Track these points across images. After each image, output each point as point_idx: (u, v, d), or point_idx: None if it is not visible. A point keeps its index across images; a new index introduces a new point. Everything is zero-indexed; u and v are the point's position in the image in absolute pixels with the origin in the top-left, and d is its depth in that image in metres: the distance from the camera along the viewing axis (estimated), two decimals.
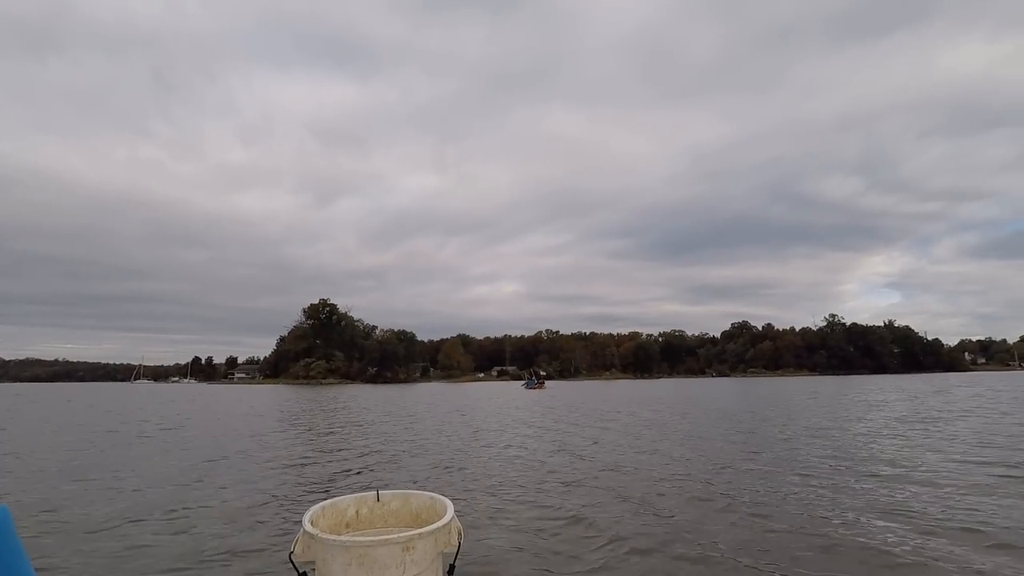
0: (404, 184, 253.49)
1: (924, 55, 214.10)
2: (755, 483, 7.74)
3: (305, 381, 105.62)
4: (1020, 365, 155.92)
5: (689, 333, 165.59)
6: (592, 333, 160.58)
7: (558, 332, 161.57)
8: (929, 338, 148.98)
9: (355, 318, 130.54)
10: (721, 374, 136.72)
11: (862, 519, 5.78)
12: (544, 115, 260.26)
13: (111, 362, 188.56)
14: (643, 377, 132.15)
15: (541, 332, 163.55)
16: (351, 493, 2.86)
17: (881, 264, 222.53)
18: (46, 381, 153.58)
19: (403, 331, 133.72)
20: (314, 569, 2.24)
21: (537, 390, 50.21)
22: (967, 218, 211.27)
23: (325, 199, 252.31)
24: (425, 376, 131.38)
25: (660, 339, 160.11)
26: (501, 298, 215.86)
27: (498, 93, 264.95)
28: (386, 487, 3.40)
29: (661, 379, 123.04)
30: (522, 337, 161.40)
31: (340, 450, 11.67)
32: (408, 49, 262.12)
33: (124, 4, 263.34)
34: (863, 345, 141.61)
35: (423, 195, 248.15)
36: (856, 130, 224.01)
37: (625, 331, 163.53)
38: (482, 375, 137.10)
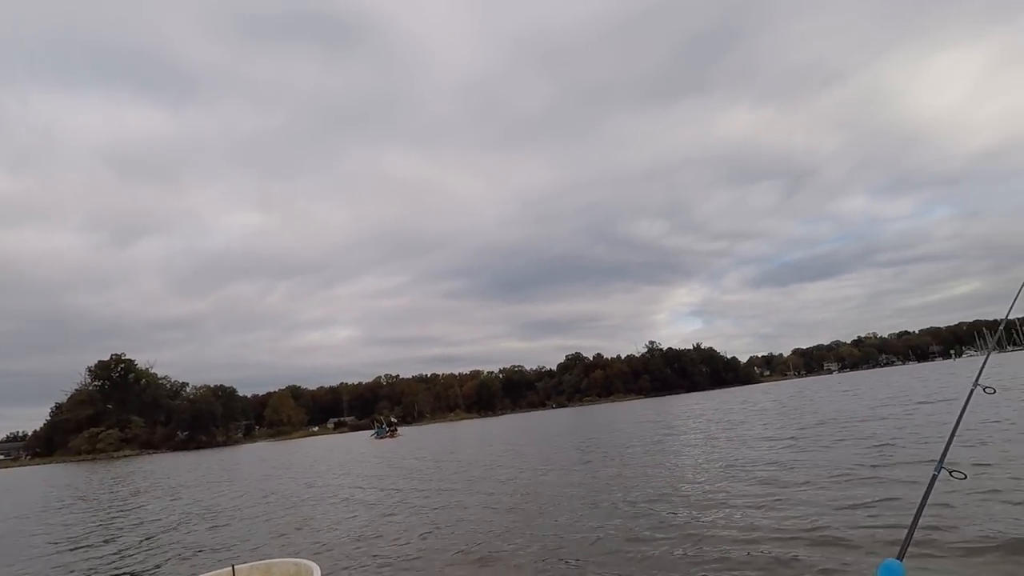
0: (223, 223, 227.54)
1: (706, 118, 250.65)
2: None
3: (90, 456, 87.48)
4: (795, 374, 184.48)
5: (528, 367, 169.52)
6: (434, 375, 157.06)
7: (398, 376, 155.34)
8: (728, 357, 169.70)
9: (159, 375, 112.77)
10: (560, 405, 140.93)
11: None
12: (380, 155, 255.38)
13: None
14: (488, 415, 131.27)
15: (380, 377, 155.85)
16: (202, 573, 2.47)
17: (685, 295, 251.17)
18: None
19: (221, 386, 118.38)
20: None
21: (389, 439, 45.37)
22: (746, 254, 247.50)
23: (124, 239, 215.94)
24: (249, 435, 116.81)
25: (501, 375, 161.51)
26: (335, 344, 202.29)
27: (332, 130, 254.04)
28: (240, 560, 2.82)
29: (505, 415, 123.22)
30: (360, 384, 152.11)
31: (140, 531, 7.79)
32: (230, 78, 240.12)
33: None
34: (678, 367, 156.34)
35: (245, 235, 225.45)
36: (659, 179, 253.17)
37: (466, 370, 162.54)
38: (316, 428, 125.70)
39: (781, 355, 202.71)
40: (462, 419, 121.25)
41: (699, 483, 8.76)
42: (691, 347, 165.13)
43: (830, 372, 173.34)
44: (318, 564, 2.43)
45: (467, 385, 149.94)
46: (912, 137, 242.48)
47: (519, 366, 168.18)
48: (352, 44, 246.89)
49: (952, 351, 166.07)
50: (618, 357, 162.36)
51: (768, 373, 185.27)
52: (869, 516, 5.71)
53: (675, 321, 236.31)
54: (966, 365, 63.92)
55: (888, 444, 10.29)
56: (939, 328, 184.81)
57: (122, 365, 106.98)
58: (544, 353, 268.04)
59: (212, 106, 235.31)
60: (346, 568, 5.87)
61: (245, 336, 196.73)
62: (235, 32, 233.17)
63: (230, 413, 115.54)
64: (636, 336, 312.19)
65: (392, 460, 21.53)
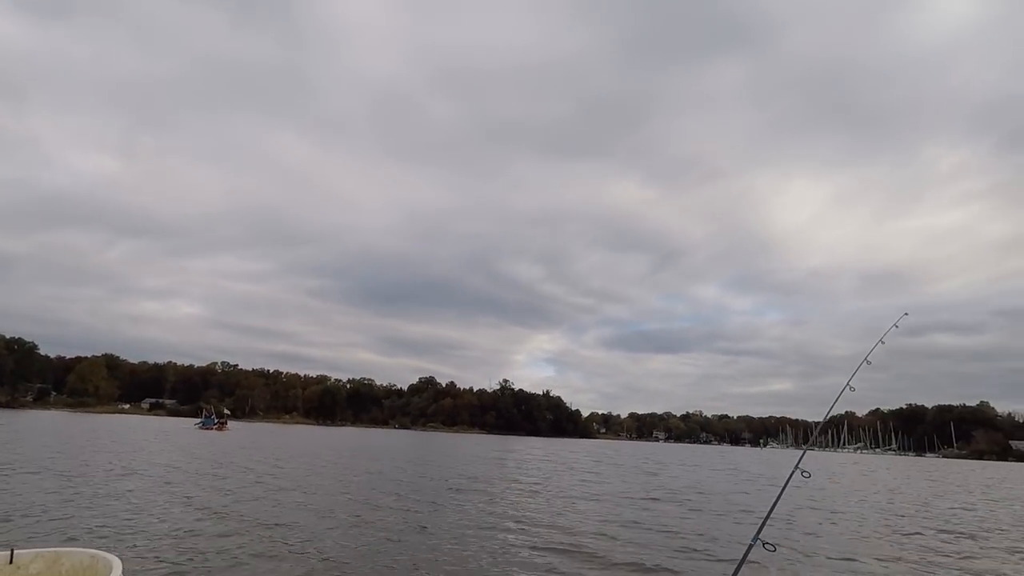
0: (71, 160, 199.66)
1: (599, 182, 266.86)
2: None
3: None
4: (628, 436, 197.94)
5: (378, 383, 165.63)
6: (276, 371, 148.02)
7: (236, 366, 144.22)
8: (573, 408, 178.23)
9: None
10: (403, 426, 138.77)
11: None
12: (270, 133, 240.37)
13: None
14: (327, 423, 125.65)
15: (216, 364, 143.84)
16: None
17: (545, 341, 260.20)
18: None
19: (18, 339, 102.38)
20: None
21: (216, 431, 41.99)
22: (608, 315, 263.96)
23: None
24: (43, 402, 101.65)
25: (348, 385, 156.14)
26: (173, 319, 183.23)
27: (223, 94, 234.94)
28: (23, 544, 2.42)
29: (346, 426, 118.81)
30: (191, 367, 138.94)
31: None
32: (120, 7, 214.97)
33: None
34: (525, 409, 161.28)
35: (94, 181, 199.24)
36: (545, 226, 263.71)
37: (313, 373, 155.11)
38: (128, 406, 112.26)
39: (619, 416, 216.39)
40: (298, 423, 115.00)
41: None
42: (541, 392, 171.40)
43: (658, 440, 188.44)
44: (119, 559, 2.14)
45: (310, 389, 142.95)
46: (765, 244, 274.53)
47: (369, 379, 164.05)
48: (264, 10, 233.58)
49: (761, 440, 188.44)
50: (470, 389, 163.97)
51: (604, 431, 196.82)
52: None
53: (531, 364, 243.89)
54: (770, 455, 73.15)
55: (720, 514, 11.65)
56: (752, 417, 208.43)
57: None
58: (398, 371, 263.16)
59: (90, 30, 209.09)
60: (153, 569, 5.42)
61: (67, 290, 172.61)
62: None
63: (24, 372, 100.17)
64: (492, 371, 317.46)
65: (221, 456, 20.36)
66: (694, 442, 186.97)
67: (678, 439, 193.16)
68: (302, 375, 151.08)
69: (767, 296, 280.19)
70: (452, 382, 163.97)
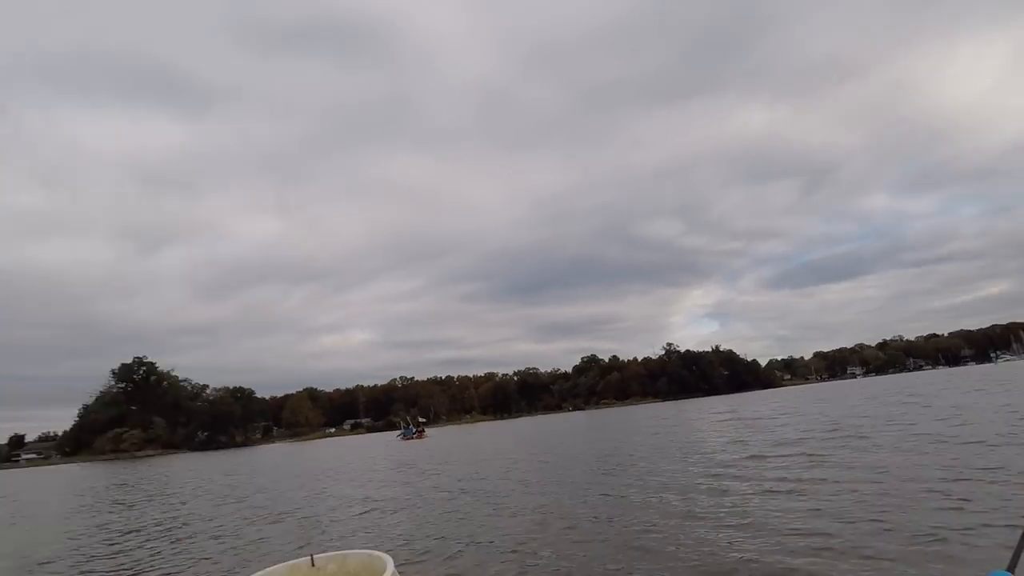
0: (241, 231, 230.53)
1: (720, 117, 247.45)
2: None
3: (114, 456, 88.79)
4: (817, 378, 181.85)
5: (542, 370, 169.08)
6: (448, 377, 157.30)
7: (413, 378, 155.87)
8: (748, 359, 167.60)
9: (180, 378, 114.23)
10: (576, 408, 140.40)
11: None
12: (391, 160, 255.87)
13: None
14: (504, 417, 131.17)
15: (395, 380, 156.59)
16: (285, 562, 2.66)
17: (701, 297, 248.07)
18: None
19: (239, 388, 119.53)
20: None
21: (416, 440, 45.06)
22: (763, 254, 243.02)
23: (147, 249, 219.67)
24: (268, 437, 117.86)
25: (516, 378, 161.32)
26: (351, 348, 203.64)
27: (345, 136, 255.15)
28: (318, 551, 2.89)
29: (522, 417, 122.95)
30: (375, 386, 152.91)
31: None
32: (246, 88, 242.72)
33: None
34: (697, 369, 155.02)
35: (263, 242, 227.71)
36: (673, 179, 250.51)
37: (481, 372, 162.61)
38: (333, 430, 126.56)
39: (802, 358, 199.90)
40: (478, 421, 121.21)
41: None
42: (710, 349, 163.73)
43: (854, 376, 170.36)
44: (391, 557, 2.50)
45: (482, 387, 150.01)
46: (936, 131, 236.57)
47: (534, 368, 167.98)
48: (363, 50, 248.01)
49: (993, 353, 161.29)
50: (635, 359, 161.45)
51: (789, 377, 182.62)
52: (977, 526, 5.40)
53: (691, 323, 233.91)
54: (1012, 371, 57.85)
55: None
56: (970, 330, 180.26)
57: (144, 368, 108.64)
58: (558, 355, 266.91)
59: (229, 116, 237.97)
60: (418, 563, 6.02)
61: (263, 340, 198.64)
62: (250, 42, 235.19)
63: (248, 415, 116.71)
64: (651, 338, 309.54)
65: (431, 461, 21.53)
66: (900, 371, 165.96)
67: (879, 371, 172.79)
68: (472, 376, 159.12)
69: (954, 189, 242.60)
70: (615, 356, 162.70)
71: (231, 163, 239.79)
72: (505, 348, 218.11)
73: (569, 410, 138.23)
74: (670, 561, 5.31)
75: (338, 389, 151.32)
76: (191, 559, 7.74)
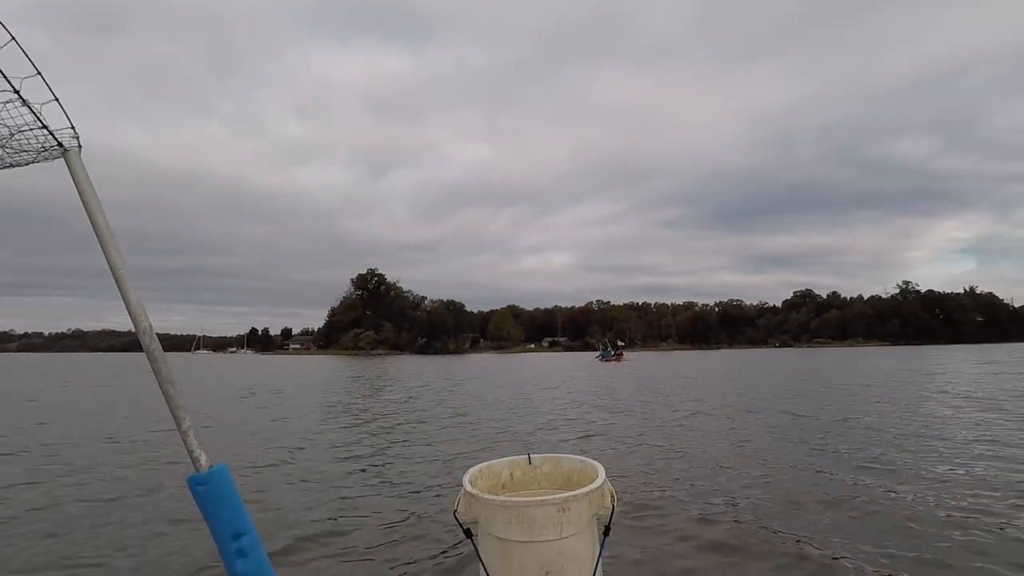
0: (457, 155, 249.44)
1: (1011, 4, 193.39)
2: None
3: (354, 352, 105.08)
4: None
5: (747, 303, 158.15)
6: (645, 303, 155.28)
7: (609, 303, 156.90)
8: (1014, 305, 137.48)
9: (404, 289, 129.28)
10: (784, 344, 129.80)
11: None
12: (599, 79, 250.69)
13: (177, 333, 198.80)
14: (701, 348, 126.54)
15: (592, 303, 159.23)
16: (506, 457, 2.92)
17: (955, 229, 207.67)
18: (119, 351, 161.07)
19: (452, 301, 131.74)
20: (475, 523, 2.37)
21: (615, 362, 45.24)
22: None
23: (378, 172, 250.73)
24: (475, 347, 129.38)
25: (717, 309, 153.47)
26: (551, 269, 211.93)
27: (552, 60, 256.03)
28: (534, 451, 3.07)
29: (721, 349, 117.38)
30: (572, 308, 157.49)
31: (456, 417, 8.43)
32: (463, 17, 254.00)
33: None
34: (941, 313, 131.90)
35: (475, 166, 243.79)
36: (934, 87, 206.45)
37: (679, 301, 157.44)
38: (532, 346, 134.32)
39: None
40: (675, 349, 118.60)
41: None
42: (961, 291, 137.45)
43: None
44: (602, 465, 2.58)
45: (681, 316, 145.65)
46: None
47: (738, 300, 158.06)
48: None
49: None
50: (860, 297, 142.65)
51: None
52: None
53: (938, 260, 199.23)
54: None
55: None
56: None
57: (376, 278, 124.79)
58: (767, 289, 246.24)
59: (448, 46, 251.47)
60: (623, 475, 6.13)
61: (473, 258, 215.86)
62: None
63: (459, 326, 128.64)
64: (882, 276, 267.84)
65: (640, 385, 21.13)
66: None
67: None
68: (670, 304, 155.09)
69: None
70: (835, 292, 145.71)
71: (449, 91, 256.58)
72: (708, 277, 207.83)
73: (776, 346, 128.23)
74: None
75: (538, 308, 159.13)
76: (432, 443, 8.26)
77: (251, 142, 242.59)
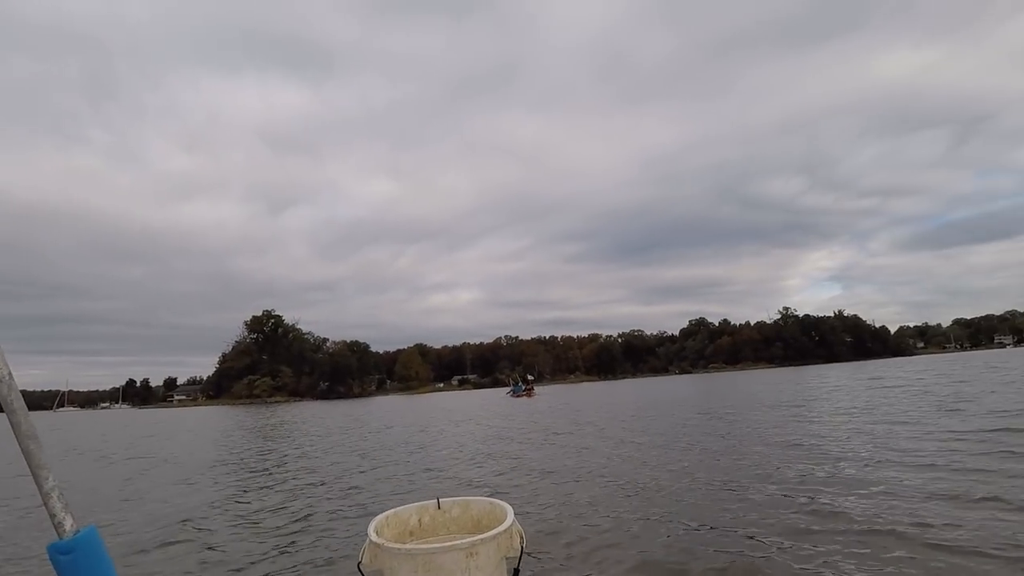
0: (359, 192, 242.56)
1: (859, 61, 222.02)
2: None
3: (249, 400, 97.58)
4: (957, 347, 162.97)
5: (648, 332, 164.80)
6: (552, 337, 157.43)
7: (518, 337, 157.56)
8: (876, 326, 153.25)
9: (304, 331, 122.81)
10: (683, 371, 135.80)
11: None
12: (501, 120, 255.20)
13: (36, 389, 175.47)
14: (608, 378, 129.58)
15: (501, 338, 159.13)
16: (413, 503, 2.85)
17: (822, 259, 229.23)
18: None
19: (356, 342, 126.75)
20: (381, 575, 2.26)
21: (526, 397, 44.41)
22: (899, 213, 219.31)
23: (276, 208, 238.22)
24: (381, 389, 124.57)
25: (620, 340, 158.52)
26: (459, 306, 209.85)
27: (455, 98, 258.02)
28: (445, 495, 3.04)
29: (626, 379, 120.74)
30: (481, 344, 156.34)
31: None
32: (365, 53, 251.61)
33: (55, 2, 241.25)
34: (816, 335, 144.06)
35: (379, 203, 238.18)
36: (798, 133, 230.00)
37: (585, 334, 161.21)
38: (441, 385, 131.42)
39: (938, 325, 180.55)
40: (582, 381, 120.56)
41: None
42: (831, 314, 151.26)
43: (1003, 346, 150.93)
44: (511, 506, 2.53)
45: (586, 348, 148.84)
46: None
47: (639, 330, 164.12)
48: (475, 10, 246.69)
49: None
50: (747, 323, 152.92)
51: (922, 345, 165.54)
52: None
53: (809, 287, 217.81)
54: None
55: None
56: None
57: (272, 320, 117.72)
58: (664, 318, 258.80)
59: (349, 81, 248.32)
60: (534, 514, 5.93)
61: (377, 297, 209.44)
62: (368, 9, 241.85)
63: (364, 367, 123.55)
64: (764, 303, 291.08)
65: (545, 419, 20.53)
66: None
67: None
68: (576, 336, 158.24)
69: None
70: (726, 319, 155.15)
71: (349, 127, 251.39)
72: (610, 309, 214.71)
73: (676, 373, 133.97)
74: None
75: (446, 346, 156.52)
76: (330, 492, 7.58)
77: (130, 176, 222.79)
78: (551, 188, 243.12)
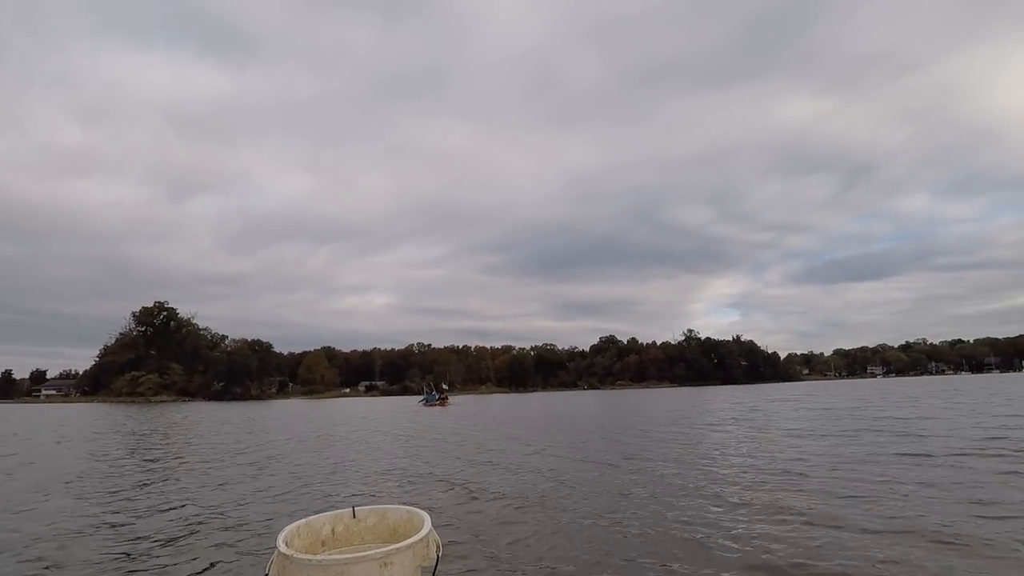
0: (274, 185, 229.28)
1: (764, 105, 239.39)
2: None
3: (130, 398, 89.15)
4: (836, 375, 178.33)
5: (560, 347, 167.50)
6: (466, 347, 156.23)
7: (430, 345, 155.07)
8: (768, 351, 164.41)
9: (200, 326, 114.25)
10: (591, 387, 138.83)
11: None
12: (428, 125, 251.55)
13: None
14: (519, 391, 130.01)
15: (413, 345, 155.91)
16: (328, 511, 2.77)
17: (725, 286, 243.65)
18: None
19: (258, 341, 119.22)
20: None
21: (439, 406, 42.99)
22: (793, 248, 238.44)
23: (179, 194, 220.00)
24: (283, 392, 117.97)
25: (533, 353, 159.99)
26: (371, 310, 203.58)
27: (384, 99, 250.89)
28: (361, 504, 3.00)
29: (536, 392, 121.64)
30: (392, 350, 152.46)
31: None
32: (291, 41, 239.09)
33: None
34: (716, 358, 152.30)
35: (294, 198, 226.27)
36: (710, 165, 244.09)
37: (498, 345, 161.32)
38: (348, 390, 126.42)
39: (822, 354, 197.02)
40: (493, 393, 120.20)
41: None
42: (730, 338, 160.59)
43: (874, 376, 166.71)
44: (428, 513, 2.54)
45: (499, 359, 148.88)
46: (985, 135, 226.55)
47: (551, 345, 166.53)
48: (409, 12, 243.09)
49: (1018, 362, 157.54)
50: (653, 343, 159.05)
51: (807, 372, 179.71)
52: None
53: (712, 312, 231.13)
54: None
55: None
56: (996, 339, 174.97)
57: (164, 313, 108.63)
58: (576, 334, 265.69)
59: (272, 68, 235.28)
60: (450, 523, 5.86)
61: (286, 296, 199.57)
62: None
63: (265, 368, 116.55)
64: (671, 324, 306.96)
65: (465, 429, 19.66)
66: (921, 374, 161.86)
67: (900, 373, 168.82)
68: (489, 347, 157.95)
69: (995, 196, 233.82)
70: (634, 338, 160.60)
71: (269, 116, 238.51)
72: (524, 323, 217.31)
73: (584, 388, 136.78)
74: None
75: (355, 350, 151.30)
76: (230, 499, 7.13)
77: (7, 143, 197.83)
78: (474, 198, 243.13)
